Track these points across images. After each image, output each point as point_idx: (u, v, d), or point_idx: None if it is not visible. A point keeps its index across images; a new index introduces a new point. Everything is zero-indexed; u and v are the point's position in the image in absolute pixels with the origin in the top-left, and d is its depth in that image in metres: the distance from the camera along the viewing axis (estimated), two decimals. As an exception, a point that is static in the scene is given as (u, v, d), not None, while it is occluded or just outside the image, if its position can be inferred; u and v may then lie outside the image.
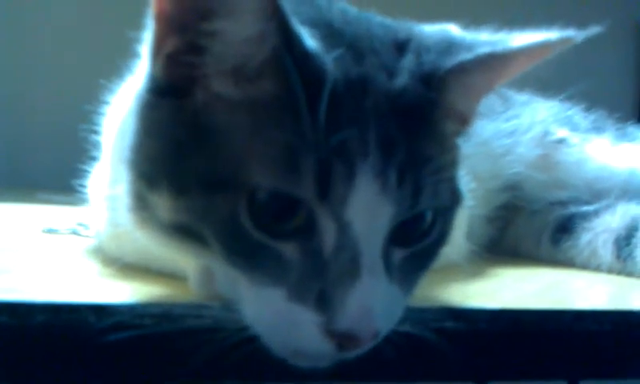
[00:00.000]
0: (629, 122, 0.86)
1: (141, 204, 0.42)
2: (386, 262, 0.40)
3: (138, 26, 0.44)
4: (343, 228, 0.38)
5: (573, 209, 0.75)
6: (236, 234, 0.39)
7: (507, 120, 0.79)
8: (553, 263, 0.73)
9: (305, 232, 0.39)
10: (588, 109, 0.85)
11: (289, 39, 0.38)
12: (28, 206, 0.91)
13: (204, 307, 0.41)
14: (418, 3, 0.92)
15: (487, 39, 0.42)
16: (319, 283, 0.38)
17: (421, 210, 0.41)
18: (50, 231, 0.70)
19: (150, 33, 0.41)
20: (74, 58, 1.21)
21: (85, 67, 0.97)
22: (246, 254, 0.39)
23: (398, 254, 0.41)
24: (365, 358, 0.40)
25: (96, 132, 0.57)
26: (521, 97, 0.84)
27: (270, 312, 0.39)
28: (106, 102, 0.55)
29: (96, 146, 0.57)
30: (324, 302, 0.38)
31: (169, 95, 0.41)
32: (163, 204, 0.40)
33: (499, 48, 0.41)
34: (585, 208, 0.75)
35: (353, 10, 0.46)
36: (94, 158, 0.58)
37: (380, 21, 0.45)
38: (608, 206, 0.73)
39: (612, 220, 0.71)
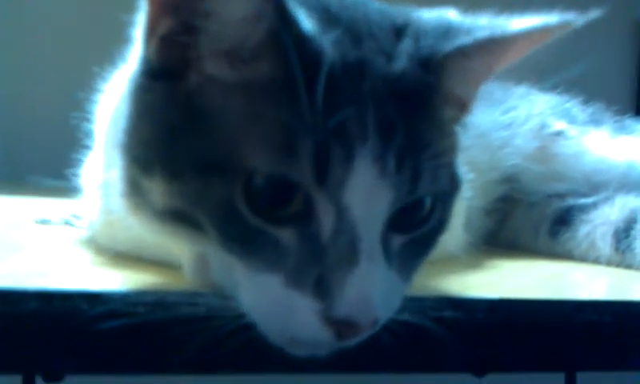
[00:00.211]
0: (627, 116, 0.86)
1: (134, 189, 0.42)
2: (384, 249, 0.39)
3: (131, 9, 0.43)
4: (341, 213, 0.38)
5: (571, 201, 0.75)
6: (232, 220, 0.38)
7: (505, 112, 0.79)
8: (551, 256, 0.72)
9: (302, 217, 0.38)
10: (586, 102, 0.85)
11: (285, 20, 0.37)
12: (20, 198, 0.90)
13: (198, 295, 0.40)
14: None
15: (486, 23, 0.42)
16: (317, 269, 0.37)
17: (420, 196, 0.40)
18: (43, 222, 0.69)
19: (144, 15, 0.40)
20: (68, 49, 1.20)
21: (78, 56, 0.96)
22: (242, 239, 0.38)
23: (397, 241, 0.41)
24: (363, 346, 0.39)
25: (89, 120, 0.56)
26: (518, 89, 0.84)
27: (267, 299, 0.38)
28: (99, 90, 0.54)
29: (89, 134, 0.56)
30: (322, 288, 0.37)
31: (162, 78, 0.40)
32: (157, 189, 0.40)
33: (498, 32, 0.41)
34: (583, 200, 0.74)
35: (351, -5, 0.45)
36: (87, 147, 0.57)
37: (377, 6, 0.45)
38: (606, 199, 0.73)
39: (611, 212, 0.71)
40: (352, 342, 0.39)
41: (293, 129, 0.37)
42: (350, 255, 0.37)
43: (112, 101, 0.49)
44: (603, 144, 0.79)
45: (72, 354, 0.39)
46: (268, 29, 0.38)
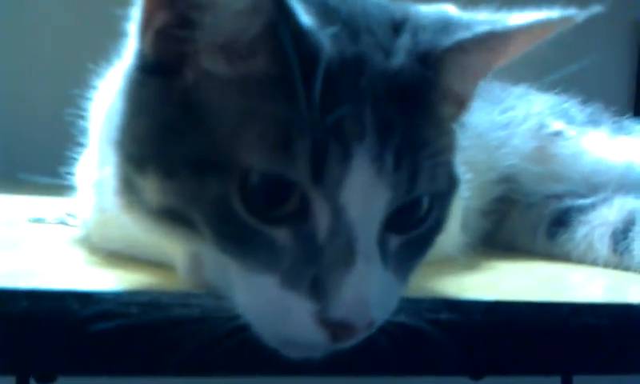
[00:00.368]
0: (625, 116, 0.85)
1: (128, 187, 0.41)
2: (381, 249, 0.39)
3: (127, 4, 0.43)
4: (338, 212, 0.37)
5: (569, 202, 0.74)
6: (227, 219, 0.37)
7: (503, 112, 0.78)
8: (549, 257, 0.72)
9: (298, 216, 0.37)
10: (584, 102, 0.85)
11: (283, 13, 0.37)
12: (14, 197, 0.89)
13: (192, 296, 0.39)
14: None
15: (486, 18, 0.41)
16: (313, 270, 0.37)
17: (417, 196, 0.40)
18: (37, 221, 0.68)
19: (139, 8, 0.40)
20: (64, 47, 1.19)
21: (74, 54, 0.95)
22: (236, 239, 0.38)
23: (394, 241, 0.40)
24: (358, 348, 0.39)
25: (83, 117, 0.55)
26: (516, 89, 0.83)
27: (262, 300, 0.38)
28: (94, 87, 0.54)
29: (84, 131, 0.56)
30: (318, 289, 0.37)
31: (157, 73, 0.39)
32: (150, 187, 0.39)
33: (498, 27, 0.40)
34: (581, 201, 0.74)
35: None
36: (81, 145, 0.57)
37: (376, 1, 0.44)
38: (605, 200, 0.72)
39: (609, 213, 0.70)
40: (347, 343, 0.38)
41: (289, 126, 0.36)
42: (347, 256, 0.37)
43: (107, 98, 0.48)
44: (602, 145, 0.79)
45: (64, 355, 0.39)
46: (265, 23, 0.37)
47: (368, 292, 0.37)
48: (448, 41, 0.40)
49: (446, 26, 0.41)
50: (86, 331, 0.37)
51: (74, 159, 0.57)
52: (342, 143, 0.37)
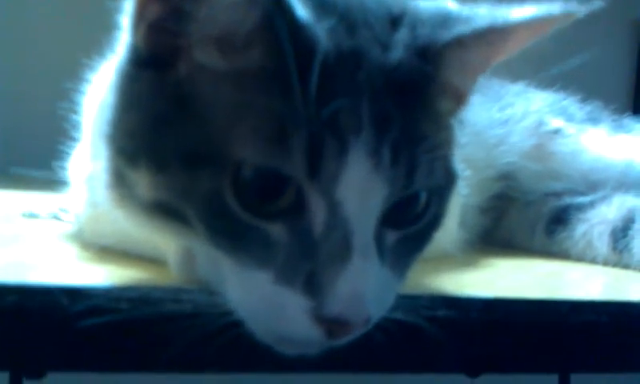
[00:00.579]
0: (624, 115, 0.85)
1: (119, 181, 0.40)
2: (378, 245, 0.38)
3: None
4: (334, 207, 0.36)
5: (568, 200, 0.74)
6: (220, 213, 0.37)
7: (501, 109, 0.78)
8: (547, 255, 0.71)
9: (293, 211, 0.37)
10: (584, 101, 0.84)
11: (280, 6, 0.36)
12: (7, 192, 0.89)
13: (184, 291, 0.39)
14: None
15: (485, 13, 0.41)
16: (308, 265, 0.36)
17: (415, 191, 0.39)
18: (31, 216, 0.68)
19: (131, 1, 0.39)
20: (57, 41, 1.18)
21: (66, 47, 0.95)
22: (230, 234, 0.37)
23: (391, 237, 0.40)
24: (354, 345, 0.38)
25: (77, 112, 0.55)
26: (515, 86, 0.82)
27: (256, 296, 0.37)
28: (87, 80, 0.53)
29: (76, 126, 0.55)
30: (313, 285, 0.36)
31: (150, 66, 0.39)
32: (142, 181, 0.38)
33: (498, 21, 0.40)
34: (580, 199, 0.73)
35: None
36: (74, 139, 0.56)
37: None
38: (604, 198, 0.72)
39: (608, 211, 0.70)
40: (343, 340, 0.37)
41: (284, 120, 0.36)
42: (343, 251, 0.36)
43: (100, 91, 0.48)
44: (601, 142, 0.78)
45: (53, 350, 0.38)
46: (261, 15, 0.36)
47: (364, 288, 0.36)
48: (447, 35, 0.40)
49: (444, 20, 0.41)
50: (75, 327, 0.37)
51: (67, 154, 0.57)
52: (338, 137, 0.36)
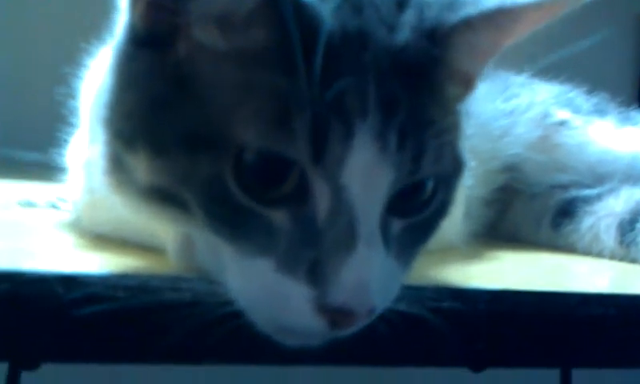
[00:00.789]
0: (631, 108, 0.84)
1: (117, 166, 0.39)
2: (383, 233, 0.37)
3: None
4: (339, 193, 0.35)
5: (574, 192, 0.73)
6: (220, 199, 0.36)
7: (506, 100, 0.77)
8: (553, 248, 0.70)
9: (296, 197, 0.36)
10: (590, 93, 0.83)
11: None
12: (5, 181, 0.88)
13: (183, 279, 0.38)
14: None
15: None
16: (311, 253, 0.35)
17: (422, 177, 0.38)
18: (28, 204, 0.67)
19: (129, -22, 0.38)
20: (57, 28, 1.17)
21: (66, 33, 0.94)
22: (230, 220, 0.36)
23: (397, 225, 0.38)
24: (358, 336, 0.37)
25: (74, 97, 0.54)
26: (520, 77, 0.81)
27: (257, 285, 0.36)
28: (85, 66, 0.52)
29: (74, 111, 0.54)
30: (316, 274, 0.35)
31: (148, 46, 0.38)
32: (140, 165, 0.37)
33: (507, 3, 0.38)
34: (587, 192, 0.72)
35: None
36: (72, 125, 0.55)
37: None
38: (611, 190, 0.71)
39: (615, 204, 0.69)
40: (346, 331, 0.36)
41: (288, 101, 0.34)
42: (347, 239, 0.35)
43: (98, 76, 0.47)
44: (608, 134, 0.77)
45: (47, 340, 0.37)
46: None
47: (369, 277, 0.35)
48: (455, 17, 0.38)
49: (452, 2, 0.40)
50: (71, 315, 0.36)
51: (65, 140, 0.56)
52: (343, 120, 0.35)
